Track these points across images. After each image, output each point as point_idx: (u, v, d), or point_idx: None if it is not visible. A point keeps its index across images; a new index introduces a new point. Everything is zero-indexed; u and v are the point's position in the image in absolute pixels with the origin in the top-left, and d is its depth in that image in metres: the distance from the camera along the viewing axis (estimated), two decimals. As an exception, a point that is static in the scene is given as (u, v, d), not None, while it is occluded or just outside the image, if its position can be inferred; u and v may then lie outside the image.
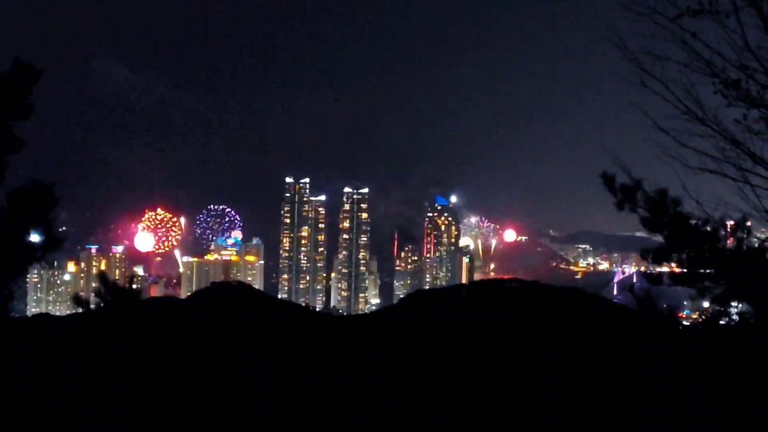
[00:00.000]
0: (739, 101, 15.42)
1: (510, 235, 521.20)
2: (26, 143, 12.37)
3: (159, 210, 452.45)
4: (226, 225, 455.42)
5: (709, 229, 16.92)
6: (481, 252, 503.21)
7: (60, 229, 14.04)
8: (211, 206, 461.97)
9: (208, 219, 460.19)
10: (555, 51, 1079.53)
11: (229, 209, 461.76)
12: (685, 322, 20.08)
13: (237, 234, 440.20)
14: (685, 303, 20.02)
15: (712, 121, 15.93)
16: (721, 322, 17.81)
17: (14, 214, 12.14)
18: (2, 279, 12.83)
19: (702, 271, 17.25)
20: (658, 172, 17.21)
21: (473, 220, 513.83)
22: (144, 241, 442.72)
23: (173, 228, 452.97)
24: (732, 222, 17.03)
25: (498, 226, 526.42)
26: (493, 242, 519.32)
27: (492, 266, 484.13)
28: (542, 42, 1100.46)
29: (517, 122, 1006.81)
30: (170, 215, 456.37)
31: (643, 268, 19.66)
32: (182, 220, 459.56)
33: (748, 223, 16.98)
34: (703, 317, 18.03)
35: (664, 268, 18.38)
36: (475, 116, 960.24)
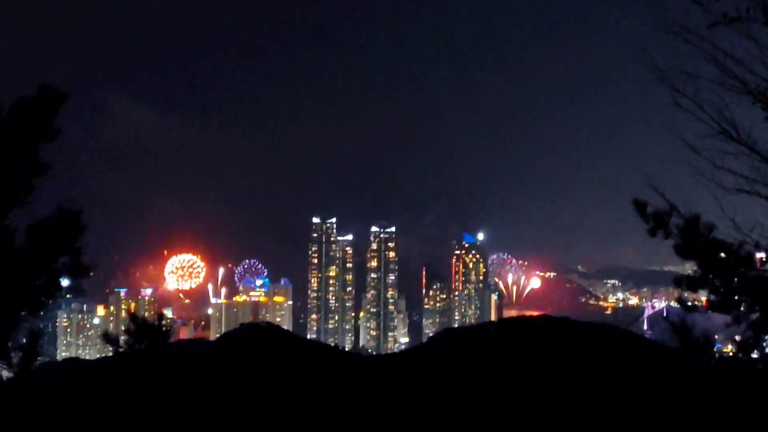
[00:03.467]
0: None
1: (535, 282, 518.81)
2: (51, 167, 12.42)
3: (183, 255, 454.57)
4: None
5: (743, 254, 16.64)
6: (507, 288, 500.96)
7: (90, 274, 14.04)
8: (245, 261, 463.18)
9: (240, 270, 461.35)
10: (582, 77, 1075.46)
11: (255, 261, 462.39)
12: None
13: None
14: (716, 336, 19.74)
15: (746, 140, 15.72)
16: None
17: (41, 240, 12.15)
18: (31, 307, 12.82)
19: (737, 298, 16.97)
20: (693, 194, 16.99)
21: (500, 257, 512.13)
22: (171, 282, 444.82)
23: (195, 269, 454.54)
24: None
25: (526, 263, 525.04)
26: (522, 279, 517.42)
27: (521, 303, 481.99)
28: (568, 69, 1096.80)
29: (543, 155, 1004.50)
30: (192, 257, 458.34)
31: (673, 303, 19.35)
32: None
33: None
34: (738, 346, 17.74)
35: (697, 302, 18.14)
36: (500, 150, 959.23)
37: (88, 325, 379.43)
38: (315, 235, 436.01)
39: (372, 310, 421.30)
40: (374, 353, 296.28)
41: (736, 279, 16.80)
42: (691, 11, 14.96)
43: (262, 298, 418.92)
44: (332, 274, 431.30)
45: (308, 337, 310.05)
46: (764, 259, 17.01)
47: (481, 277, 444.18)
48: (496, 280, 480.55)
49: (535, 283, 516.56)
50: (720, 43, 15.14)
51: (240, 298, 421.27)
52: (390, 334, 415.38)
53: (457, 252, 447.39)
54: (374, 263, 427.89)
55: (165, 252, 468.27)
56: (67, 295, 14.12)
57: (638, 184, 17.69)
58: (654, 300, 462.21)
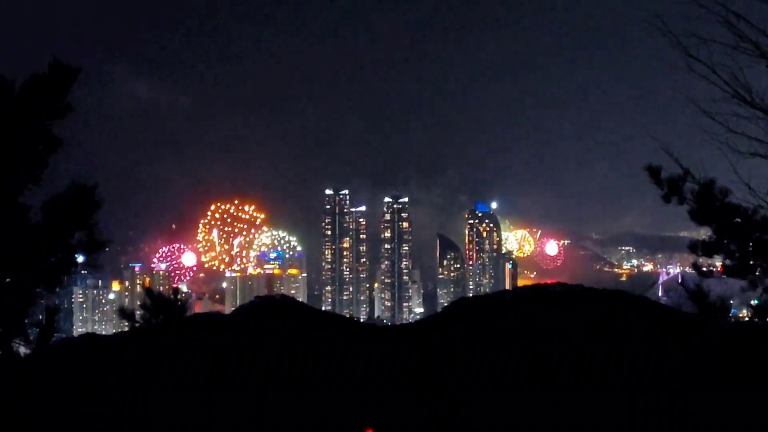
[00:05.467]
0: None
1: (552, 248, 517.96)
2: (64, 143, 12.44)
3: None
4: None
5: (759, 218, 16.61)
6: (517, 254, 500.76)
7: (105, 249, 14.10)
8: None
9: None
10: (594, 42, 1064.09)
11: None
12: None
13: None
14: (732, 301, 19.72)
15: (760, 104, 15.64)
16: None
17: (57, 216, 12.20)
18: (47, 284, 12.89)
19: (752, 262, 16.96)
20: (707, 159, 16.94)
21: (514, 225, 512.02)
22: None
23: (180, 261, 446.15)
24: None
25: (540, 231, 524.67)
26: (537, 247, 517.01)
27: (536, 271, 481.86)
28: (580, 34, 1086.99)
29: (554, 122, 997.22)
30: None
31: (688, 268, 19.34)
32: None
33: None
34: (754, 311, 17.74)
35: (712, 267, 18.12)
36: (510, 117, 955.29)
37: (103, 301, 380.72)
38: (328, 206, 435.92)
39: (386, 280, 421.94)
40: (389, 324, 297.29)
41: (751, 243, 16.79)
42: (705, -26, 14.90)
43: (277, 271, 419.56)
44: (346, 245, 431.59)
45: (323, 309, 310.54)
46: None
47: (495, 246, 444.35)
48: (510, 248, 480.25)
49: (551, 250, 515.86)
50: (733, 7, 15.07)
51: (254, 271, 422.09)
52: (405, 304, 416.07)
53: (471, 221, 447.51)
54: (387, 234, 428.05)
55: (173, 226, 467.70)
56: (83, 271, 14.18)
57: (652, 150, 17.66)
58: (669, 266, 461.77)
